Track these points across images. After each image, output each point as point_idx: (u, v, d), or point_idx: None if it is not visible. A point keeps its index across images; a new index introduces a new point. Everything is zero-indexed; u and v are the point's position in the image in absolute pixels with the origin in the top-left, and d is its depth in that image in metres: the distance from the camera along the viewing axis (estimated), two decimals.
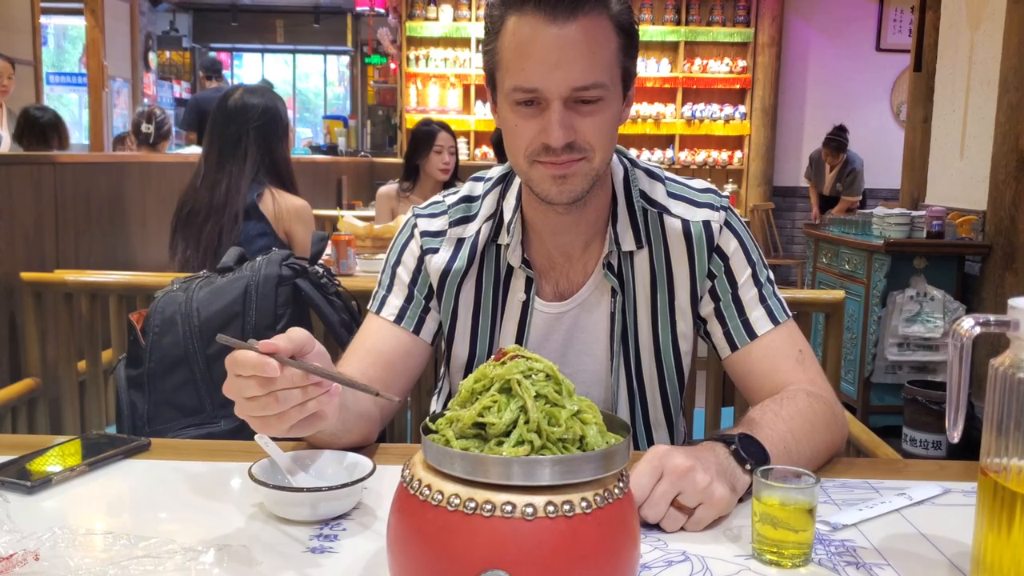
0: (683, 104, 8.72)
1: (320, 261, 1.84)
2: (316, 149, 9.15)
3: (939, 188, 4.69)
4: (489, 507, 0.69)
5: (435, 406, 1.57)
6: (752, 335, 1.24)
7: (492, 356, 0.77)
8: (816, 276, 5.05)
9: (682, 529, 0.96)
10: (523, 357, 0.76)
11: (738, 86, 8.69)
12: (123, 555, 0.86)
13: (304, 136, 11.36)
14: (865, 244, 4.38)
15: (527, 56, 1.10)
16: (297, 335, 0.92)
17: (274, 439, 1.07)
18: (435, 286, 1.31)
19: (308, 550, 0.91)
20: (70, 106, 10.41)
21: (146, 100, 10.25)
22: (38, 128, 4.63)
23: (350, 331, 1.65)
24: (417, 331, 1.30)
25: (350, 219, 3.07)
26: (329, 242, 2.93)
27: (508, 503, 0.69)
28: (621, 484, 0.75)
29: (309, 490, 0.97)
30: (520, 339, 1.29)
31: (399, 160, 6.97)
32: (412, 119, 8.24)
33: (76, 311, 2.10)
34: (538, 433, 0.72)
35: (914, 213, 4.42)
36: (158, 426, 1.55)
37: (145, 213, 2.92)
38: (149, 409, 1.56)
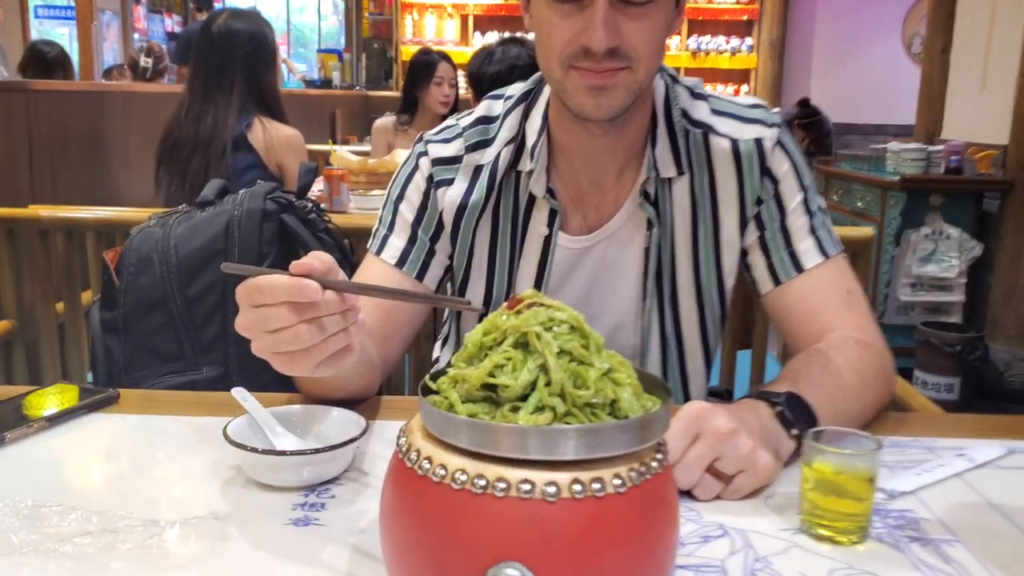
0: (688, 36, 8.46)
1: (310, 196, 1.70)
2: (310, 84, 8.90)
3: (957, 122, 4.51)
4: (502, 486, 0.57)
5: (438, 353, 1.44)
6: (799, 268, 1.11)
7: (505, 303, 0.64)
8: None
9: (717, 498, 0.85)
10: (542, 305, 0.63)
11: (745, 17, 8.43)
12: (75, 530, 0.74)
13: (300, 69, 11.05)
14: (879, 180, 4.22)
15: None
16: (325, 257, 0.79)
17: (254, 392, 0.95)
18: (448, 224, 1.17)
19: (290, 522, 0.80)
20: (60, 41, 10.11)
21: (136, 35, 9.97)
22: (44, 63, 4.58)
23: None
24: (420, 277, 1.17)
25: (343, 153, 2.91)
26: (321, 178, 2.79)
27: (525, 481, 0.57)
28: (659, 456, 0.63)
29: (292, 453, 0.85)
30: (539, 280, 1.16)
31: (395, 94, 6.76)
32: (408, 51, 8.00)
33: (52, 249, 1.96)
34: (561, 397, 0.59)
35: (930, 148, 4.25)
36: (136, 373, 1.43)
37: (128, 146, 2.76)
38: (126, 355, 1.43)
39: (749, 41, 8.48)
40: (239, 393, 0.94)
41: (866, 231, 1.85)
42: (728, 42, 8.49)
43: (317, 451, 0.85)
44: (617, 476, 0.59)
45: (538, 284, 1.15)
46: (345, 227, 1.83)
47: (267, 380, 1.41)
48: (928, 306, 4.05)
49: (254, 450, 0.84)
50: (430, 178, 1.17)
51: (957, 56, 4.55)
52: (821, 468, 0.79)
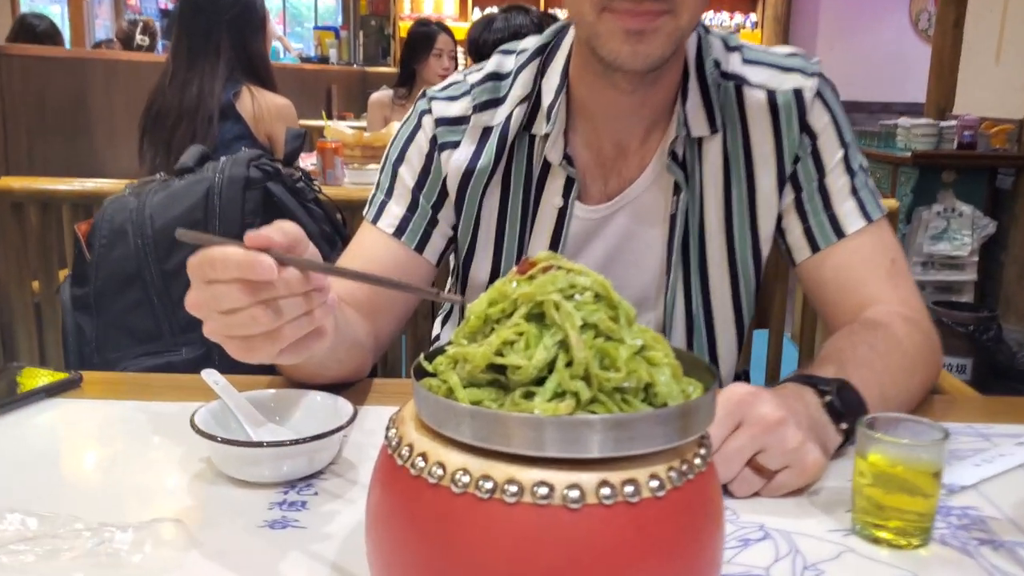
0: None
1: (302, 168, 1.59)
2: (306, 61, 8.74)
3: (970, 96, 4.39)
4: (513, 490, 0.46)
5: (438, 330, 1.33)
6: (839, 233, 1.00)
7: (515, 268, 0.53)
8: None
9: (755, 495, 0.74)
10: (561, 268, 0.52)
11: None
12: (11, 536, 0.63)
13: (296, 48, 10.88)
14: (890, 157, 4.10)
15: None
16: (290, 227, 0.67)
17: (226, 374, 0.84)
18: (453, 191, 1.05)
19: (265, 524, 0.69)
20: (52, 18, 9.93)
21: (129, 12, 9.80)
22: (33, 35, 4.47)
23: (333, 246, 1.41)
24: (420, 248, 1.06)
25: (338, 125, 2.79)
26: (314, 152, 2.67)
27: (542, 484, 0.46)
28: (703, 451, 0.52)
29: (269, 444, 0.74)
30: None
31: (393, 70, 6.61)
32: (406, 26, 7.84)
33: (27, 224, 1.85)
34: (586, 380, 0.48)
35: (942, 123, 4.13)
36: (109, 354, 1.32)
37: (112, 117, 2.64)
38: (98, 335, 1.33)
39: (753, 17, 8.34)
40: (210, 375, 0.83)
41: (890, 203, 1.74)
42: (732, 18, 8.35)
43: (297, 442, 0.74)
44: (654, 477, 0.48)
45: None
46: (338, 199, 1.71)
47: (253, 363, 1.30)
48: (940, 285, 3.94)
49: (225, 441, 0.74)
50: (433, 140, 1.05)
51: (970, 29, 4.42)
52: (879, 461, 0.68)
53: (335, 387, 0.88)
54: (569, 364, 0.48)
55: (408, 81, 3.79)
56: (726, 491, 0.74)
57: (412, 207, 1.06)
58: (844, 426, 0.78)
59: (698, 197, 1.03)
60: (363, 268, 1.01)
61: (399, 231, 1.05)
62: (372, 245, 1.05)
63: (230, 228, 1.32)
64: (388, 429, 0.54)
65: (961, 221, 3.89)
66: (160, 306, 1.31)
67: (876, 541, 0.68)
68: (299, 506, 0.72)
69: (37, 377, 0.96)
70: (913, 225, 3.94)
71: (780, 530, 0.70)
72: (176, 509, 0.70)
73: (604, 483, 0.47)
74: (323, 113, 2.70)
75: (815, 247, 1.01)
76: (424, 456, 0.50)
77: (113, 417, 0.89)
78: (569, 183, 1.02)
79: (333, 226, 1.45)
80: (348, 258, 1.06)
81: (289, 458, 0.75)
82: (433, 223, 1.06)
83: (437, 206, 1.06)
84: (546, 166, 1.03)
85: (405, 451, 0.51)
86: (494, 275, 1.08)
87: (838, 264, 1.00)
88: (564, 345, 0.49)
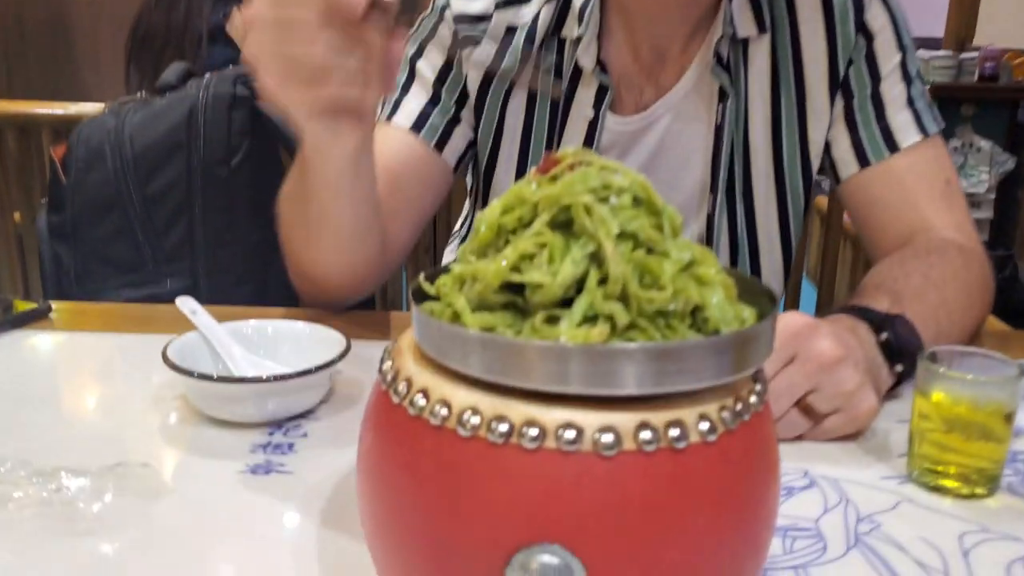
0: None
1: None
2: None
3: (992, 27, 4.22)
4: (533, 433, 0.38)
5: (451, 258, 1.23)
6: (892, 147, 0.90)
7: (534, 167, 0.44)
8: None
9: (798, 438, 0.66)
10: (593, 165, 0.42)
11: None
12: None
13: None
14: None
15: None
16: None
17: (224, 307, 0.76)
18: (473, 92, 0.96)
19: (247, 469, 0.61)
20: None
21: None
22: None
23: None
24: (440, 146, 0.96)
25: None
26: None
27: (568, 426, 0.38)
28: (759, 388, 0.43)
29: (251, 380, 0.66)
30: None
31: None
32: None
33: (5, 150, 1.75)
34: (623, 301, 0.40)
35: (962, 55, 3.98)
36: (89, 285, 1.24)
37: (97, 40, 2.51)
38: (77, 265, 1.24)
39: None
40: (185, 303, 0.75)
41: None
42: None
43: (284, 377, 0.66)
44: (704, 418, 0.39)
45: None
46: None
47: (245, 292, 1.23)
48: None
49: (201, 376, 0.65)
50: (455, 34, 0.96)
51: None
52: (943, 400, 0.60)
53: (325, 317, 0.80)
54: (603, 282, 0.40)
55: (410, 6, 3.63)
56: None
57: (433, 100, 0.96)
58: (899, 368, 0.69)
59: (743, 106, 0.93)
60: (381, 168, 0.92)
61: (417, 125, 0.95)
62: (385, 140, 0.93)
63: (215, 150, 1.22)
64: (382, 361, 0.46)
65: (979, 157, 3.77)
66: (142, 234, 1.22)
67: (937, 490, 0.61)
68: (285, 449, 0.64)
69: (13, 309, 0.88)
70: None
71: (827, 477, 0.62)
72: (144, 452, 0.62)
73: (644, 425, 0.38)
74: None
75: (865, 161, 0.91)
76: (425, 392, 0.41)
77: (81, 350, 0.81)
78: (601, 93, 0.93)
79: None
80: None
81: (275, 395, 0.67)
82: (455, 121, 0.97)
83: (460, 103, 0.97)
84: (576, 73, 0.93)
85: (402, 387, 0.42)
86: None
87: (889, 182, 0.91)
88: (596, 258, 0.40)
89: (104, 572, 0.50)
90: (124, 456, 0.60)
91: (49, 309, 0.89)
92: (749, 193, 0.95)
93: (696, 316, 0.42)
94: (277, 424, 0.68)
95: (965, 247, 0.86)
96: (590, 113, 0.93)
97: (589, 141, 0.94)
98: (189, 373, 0.65)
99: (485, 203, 1.01)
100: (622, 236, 0.40)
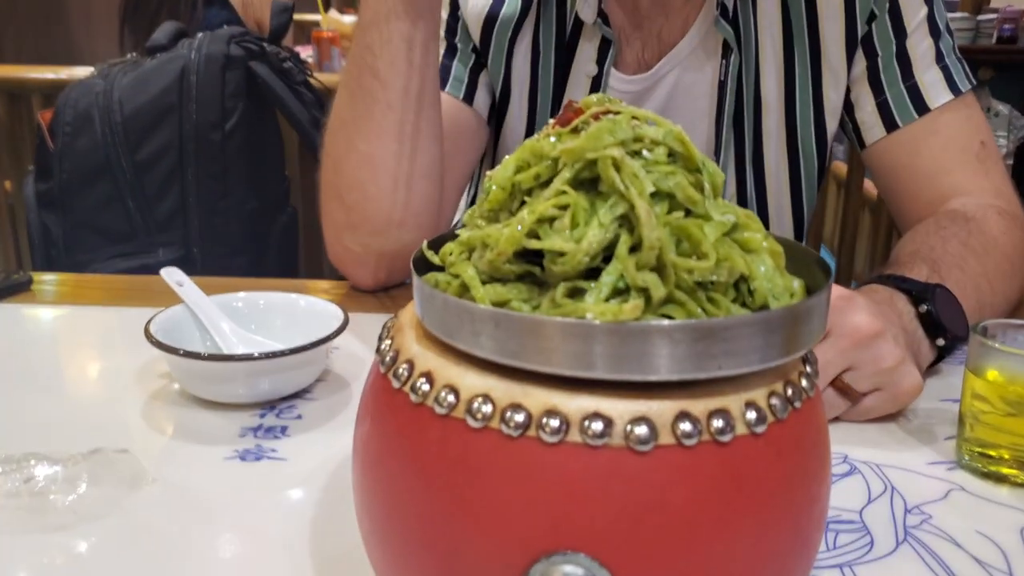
0: None
1: (290, 48, 1.43)
2: None
3: None
4: (555, 424, 0.33)
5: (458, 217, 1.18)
6: (922, 108, 0.84)
7: (553, 119, 0.38)
8: None
9: (835, 419, 0.61)
10: (621, 114, 0.37)
11: None
12: None
13: None
14: None
15: None
16: None
17: (202, 277, 0.71)
18: (477, 37, 0.91)
19: (235, 455, 0.56)
20: None
21: None
22: None
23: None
24: (469, 98, 0.91)
25: (336, 16, 2.59)
26: (311, 45, 2.47)
27: (596, 416, 0.33)
28: (809, 371, 0.38)
29: (240, 358, 0.61)
30: None
31: None
32: None
33: None
34: (659, 272, 0.34)
35: (979, 17, 3.88)
36: (79, 256, 1.19)
37: (89, 2, 2.44)
38: (65, 234, 1.19)
39: None
40: (171, 274, 0.70)
41: None
42: None
43: (276, 354, 0.60)
44: (752, 406, 0.34)
45: None
46: (333, 86, 1.55)
47: (240, 263, 1.17)
48: None
49: (188, 354, 0.60)
50: None
51: None
52: (998, 379, 0.54)
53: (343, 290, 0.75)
54: (635, 249, 0.34)
55: None
56: None
57: (450, 52, 0.91)
58: (941, 342, 0.64)
59: (753, 61, 0.86)
60: None
61: (441, 81, 0.89)
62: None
63: (209, 112, 1.16)
64: (380, 340, 0.40)
65: (997, 122, 3.68)
66: (133, 201, 1.17)
67: (991, 477, 0.55)
68: (278, 432, 0.59)
69: None
70: None
71: (869, 463, 0.57)
72: (124, 437, 0.57)
73: (683, 415, 0.33)
74: (319, 1, 2.49)
75: (892, 124, 0.85)
76: (429, 377, 0.36)
77: (61, 325, 0.76)
78: (604, 47, 0.87)
79: (325, 111, 1.28)
80: None
81: (266, 374, 0.62)
82: (477, 69, 0.92)
83: (476, 52, 0.92)
84: (578, 26, 0.87)
85: (403, 370, 0.37)
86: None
87: (918, 146, 0.85)
88: (627, 222, 0.34)
89: (77, 570, 0.45)
90: (102, 441, 0.55)
91: (30, 281, 0.84)
92: (759, 155, 0.90)
93: (741, 289, 0.36)
94: (269, 405, 0.62)
95: (1005, 211, 0.81)
96: (593, 69, 0.87)
97: None
98: (174, 351, 0.60)
99: (494, 162, 0.95)
100: (657, 196, 0.35)
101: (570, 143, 0.36)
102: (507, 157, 0.39)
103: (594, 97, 0.38)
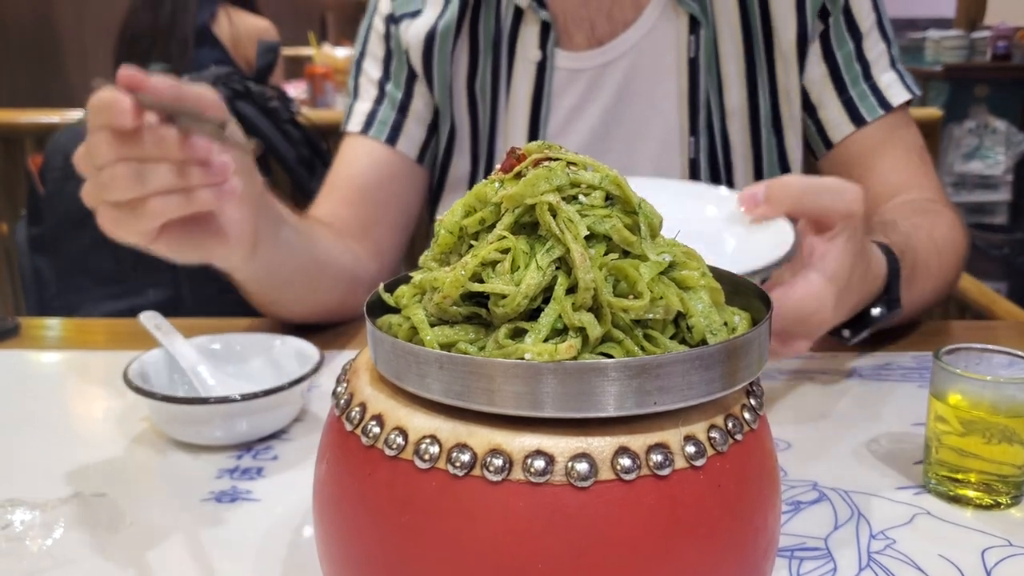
0: None
1: (277, 87, 1.45)
2: None
3: (1004, 4, 4.15)
4: (499, 463, 0.34)
5: None
6: (885, 106, 0.87)
7: (499, 166, 0.40)
8: None
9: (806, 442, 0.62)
10: (559, 160, 0.38)
11: None
12: None
13: None
14: (918, 71, 3.89)
15: None
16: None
17: (189, 318, 0.72)
18: (419, 64, 0.92)
19: (211, 497, 0.57)
20: None
21: None
22: None
23: (312, 171, 1.27)
24: (392, 140, 0.92)
25: (329, 50, 2.63)
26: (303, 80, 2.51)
27: (538, 454, 0.34)
28: (753, 403, 0.39)
29: (216, 400, 0.61)
30: (534, 122, 0.89)
31: None
32: None
33: None
34: (595, 312, 0.35)
35: (974, 35, 3.92)
36: (71, 298, 1.20)
37: (84, 44, 2.47)
38: (57, 277, 1.20)
39: None
40: (149, 319, 0.71)
41: (932, 112, 1.58)
42: None
43: (251, 396, 0.61)
44: (691, 440, 0.35)
45: (533, 128, 0.89)
46: (323, 124, 1.57)
47: (229, 301, 1.18)
48: (971, 206, 3.77)
49: (165, 398, 0.61)
50: (390, 16, 0.93)
51: None
52: (961, 403, 0.55)
53: (322, 329, 0.76)
54: (572, 290, 0.35)
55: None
56: None
57: (378, 99, 0.94)
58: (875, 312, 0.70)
59: (711, 36, 0.87)
60: (341, 179, 0.92)
61: (366, 126, 0.93)
62: (345, 152, 0.94)
63: None
64: (338, 383, 0.41)
65: (994, 138, 3.70)
66: (121, 245, 1.18)
67: (957, 500, 0.56)
68: (253, 474, 0.60)
69: None
70: (944, 143, 3.75)
71: (837, 489, 0.57)
72: (102, 481, 0.58)
73: (623, 450, 0.34)
74: (311, 36, 2.51)
75: (859, 120, 0.87)
76: (380, 419, 0.37)
77: (45, 370, 0.77)
78: (545, 30, 0.88)
79: (313, 149, 1.31)
80: (330, 178, 0.95)
81: (244, 416, 0.62)
82: (403, 109, 0.93)
83: (408, 89, 0.93)
84: (517, 14, 0.89)
85: (355, 413, 0.38)
86: (474, 157, 0.94)
87: (882, 141, 0.88)
88: (565, 264, 0.35)
89: None
90: (82, 485, 0.56)
91: (18, 327, 0.85)
92: (725, 135, 0.90)
93: (679, 325, 0.37)
94: (245, 447, 0.63)
95: (949, 205, 0.87)
96: (537, 55, 0.88)
97: (539, 84, 0.89)
98: (151, 394, 0.61)
99: (445, 171, 0.96)
100: (594, 238, 0.36)
101: (510, 189, 0.37)
102: (456, 202, 0.40)
103: (535, 144, 0.39)
